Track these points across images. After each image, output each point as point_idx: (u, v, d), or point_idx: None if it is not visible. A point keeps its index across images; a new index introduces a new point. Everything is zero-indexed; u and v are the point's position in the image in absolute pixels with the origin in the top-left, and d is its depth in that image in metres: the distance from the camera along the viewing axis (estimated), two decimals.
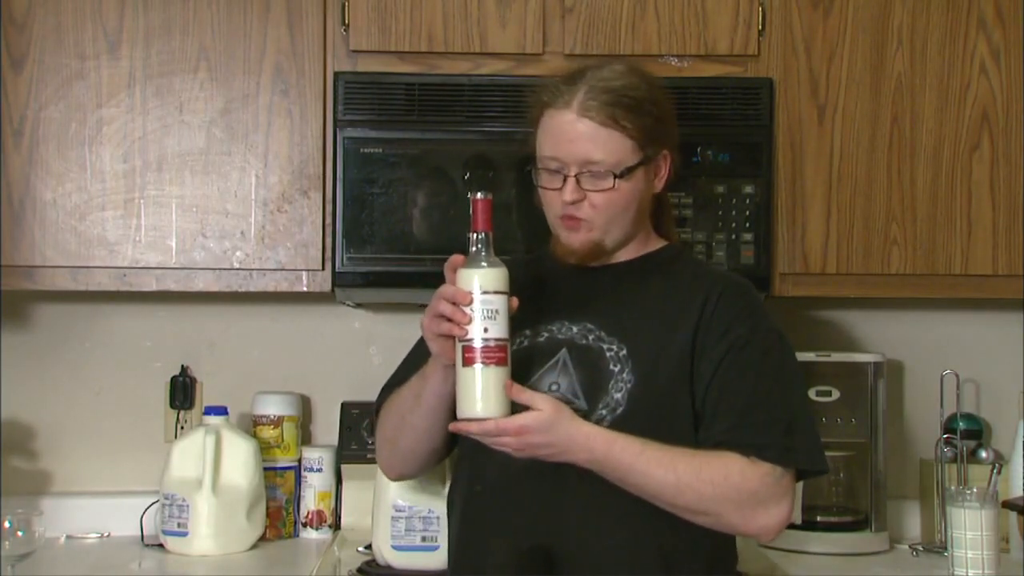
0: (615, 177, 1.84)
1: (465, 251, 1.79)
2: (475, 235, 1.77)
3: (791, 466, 1.82)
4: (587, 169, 1.84)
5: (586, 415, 1.81)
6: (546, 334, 1.90)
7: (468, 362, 1.74)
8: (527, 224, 2.31)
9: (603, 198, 1.85)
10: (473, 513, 1.90)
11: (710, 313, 1.85)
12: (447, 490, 2.04)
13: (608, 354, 1.85)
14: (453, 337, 1.75)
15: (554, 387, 1.84)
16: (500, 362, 1.74)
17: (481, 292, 1.74)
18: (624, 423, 1.80)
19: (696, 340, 1.84)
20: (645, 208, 1.93)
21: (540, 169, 1.89)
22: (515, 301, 1.77)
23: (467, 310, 1.73)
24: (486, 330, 1.73)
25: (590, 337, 1.87)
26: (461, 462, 1.98)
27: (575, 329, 1.88)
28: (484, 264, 1.76)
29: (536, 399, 1.76)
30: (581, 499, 1.81)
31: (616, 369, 1.84)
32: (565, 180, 1.85)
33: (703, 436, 1.83)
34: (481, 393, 1.74)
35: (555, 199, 1.87)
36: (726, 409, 1.82)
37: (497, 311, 1.74)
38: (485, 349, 1.73)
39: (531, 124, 1.91)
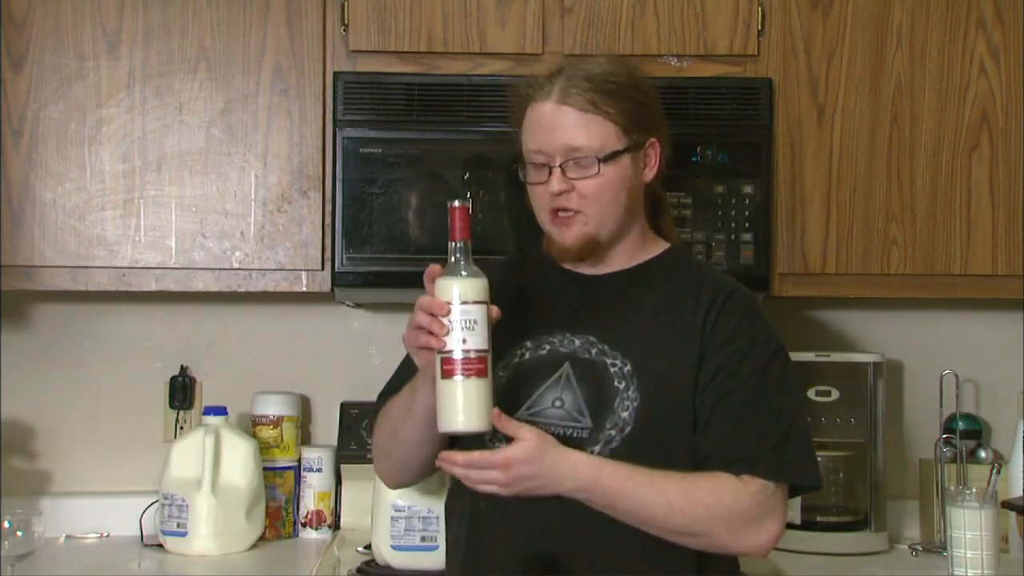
0: (599, 162, 1.80)
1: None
2: (453, 244, 1.72)
3: (782, 481, 1.79)
4: (571, 157, 1.81)
5: (593, 433, 1.79)
6: (547, 346, 1.86)
7: (447, 374, 1.69)
8: (526, 225, 2.30)
9: (590, 186, 1.81)
10: (478, 531, 1.86)
11: (712, 325, 1.82)
12: (447, 492, 2.02)
13: (612, 369, 1.81)
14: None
15: (558, 403, 1.81)
16: (480, 374, 1.69)
17: (460, 302, 1.69)
18: (632, 442, 1.77)
19: (700, 355, 1.81)
20: (637, 199, 1.89)
21: (527, 165, 1.86)
22: (495, 310, 1.72)
23: (445, 321, 1.69)
24: (464, 341, 1.68)
25: (593, 351, 1.83)
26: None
27: (577, 342, 1.85)
28: (463, 273, 1.71)
29: (521, 429, 1.73)
30: (587, 514, 1.77)
31: (621, 386, 1.80)
32: (551, 172, 1.82)
33: (694, 445, 1.80)
34: (463, 406, 1.69)
35: (543, 194, 1.84)
36: (718, 420, 1.79)
37: (476, 321, 1.69)
38: (465, 361, 1.68)
39: (516, 123, 1.89)
